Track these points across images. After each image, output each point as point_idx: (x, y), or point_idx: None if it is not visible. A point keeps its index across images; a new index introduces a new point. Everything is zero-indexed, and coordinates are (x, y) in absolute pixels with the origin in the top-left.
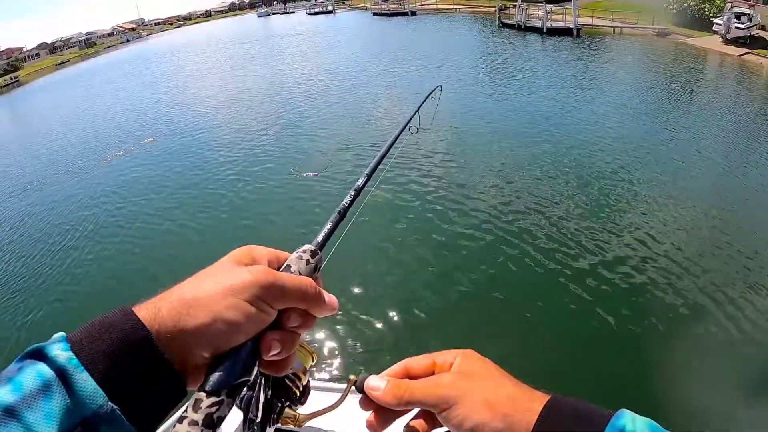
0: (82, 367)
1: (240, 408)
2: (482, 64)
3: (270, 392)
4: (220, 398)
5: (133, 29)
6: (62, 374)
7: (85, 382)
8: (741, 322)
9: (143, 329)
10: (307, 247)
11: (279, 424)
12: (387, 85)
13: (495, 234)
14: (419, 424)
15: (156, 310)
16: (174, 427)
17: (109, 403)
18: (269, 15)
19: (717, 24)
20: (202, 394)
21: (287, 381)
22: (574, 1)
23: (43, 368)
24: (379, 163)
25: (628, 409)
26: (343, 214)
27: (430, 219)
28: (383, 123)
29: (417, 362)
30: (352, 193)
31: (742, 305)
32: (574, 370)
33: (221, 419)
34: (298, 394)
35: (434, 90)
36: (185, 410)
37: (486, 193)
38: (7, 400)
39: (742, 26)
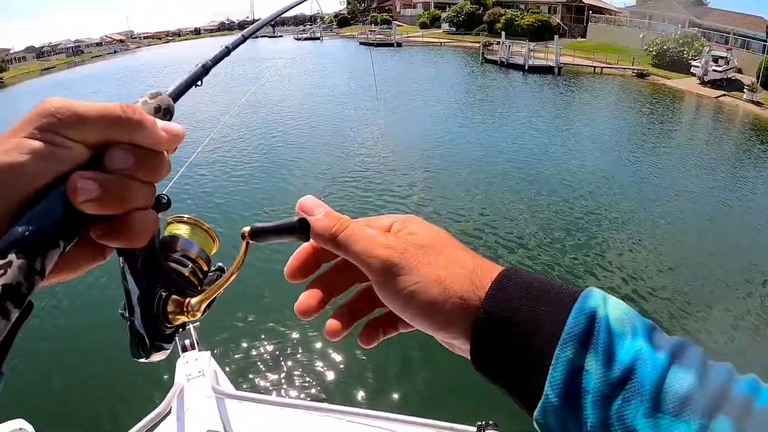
0: None
1: (121, 312)
2: (465, 97)
3: (143, 283)
4: (6, 260)
5: (121, 41)
6: None
7: None
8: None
9: None
10: (148, 91)
11: (169, 322)
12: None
13: None
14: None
15: None
16: None
17: None
18: (257, 37)
19: (695, 66)
20: None
21: (176, 265)
22: (557, 40)
23: None
24: (258, 29)
25: None
26: (207, 69)
27: None
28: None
29: None
30: (222, 50)
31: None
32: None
33: (12, 287)
34: (197, 282)
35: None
36: None
37: (462, 224)
38: None
39: (720, 69)
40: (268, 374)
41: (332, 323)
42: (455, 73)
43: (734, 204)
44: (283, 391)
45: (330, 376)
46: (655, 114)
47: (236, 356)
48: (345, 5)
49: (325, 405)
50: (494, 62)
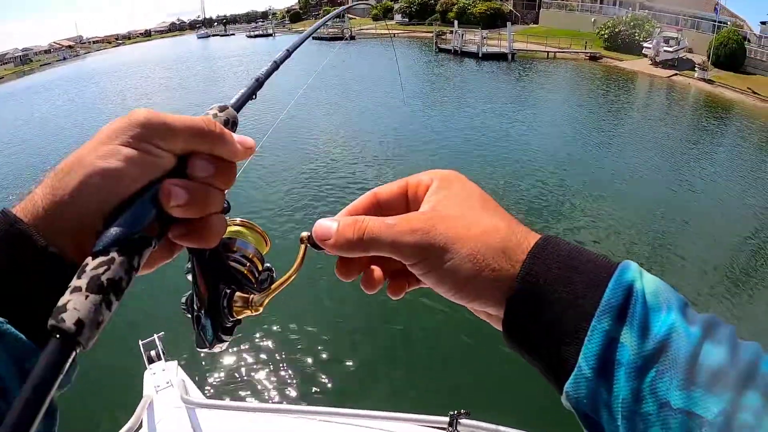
0: None
1: (184, 308)
2: (422, 87)
3: (210, 279)
4: (109, 257)
5: (70, 47)
6: None
7: None
8: None
9: (15, 223)
10: (215, 104)
11: (232, 316)
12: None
13: None
14: (376, 272)
15: (31, 196)
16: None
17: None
18: (209, 37)
19: (647, 48)
20: (88, 258)
21: (235, 264)
22: (509, 27)
23: None
24: (301, 42)
25: None
26: (260, 82)
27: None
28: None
29: (387, 189)
30: (271, 65)
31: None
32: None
33: (115, 282)
34: (253, 279)
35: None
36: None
37: None
38: None
39: (671, 49)
40: (237, 381)
41: (370, 278)
42: (411, 63)
43: (694, 177)
44: (253, 396)
45: (299, 377)
46: (610, 95)
47: (204, 364)
48: (297, 0)
49: (297, 407)
50: (448, 51)
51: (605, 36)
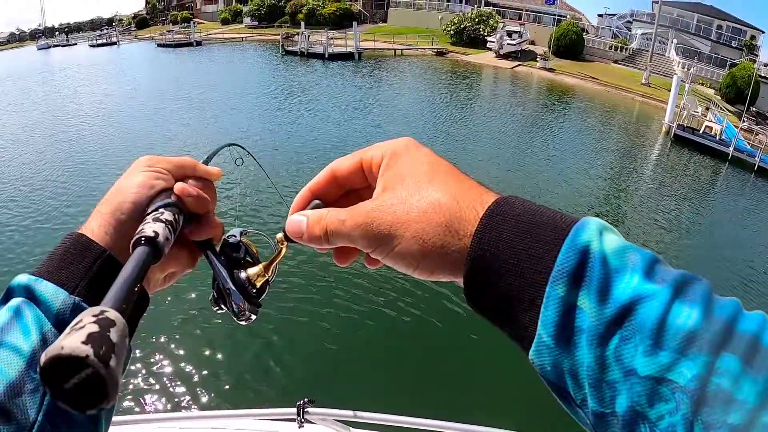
0: (40, 279)
1: (212, 303)
2: (265, 92)
3: (227, 268)
4: (159, 211)
5: None
6: (29, 292)
7: (45, 287)
8: None
9: (79, 235)
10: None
11: (254, 286)
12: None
13: None
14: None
15: (89, 219)
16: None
17: (71, 296)
18: (49, 47)
19: (491, 42)
20: (146, 216)
21: (239, 254)
22: (355, 27)
23: (12, 301)
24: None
25: None
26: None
27: None
28: None
29: (344, 165)
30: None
31: None
32: None
33: (170, 221)
34: (250, 258)
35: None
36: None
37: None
38: None
39: (514, 42)
40: None
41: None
42: (255, 68)
43: (545, 150)
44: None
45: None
46: (459, 86)
47: None
48: (144, 5)
49: (133, 416)
50: (294, 53)
51: (451, 32)
